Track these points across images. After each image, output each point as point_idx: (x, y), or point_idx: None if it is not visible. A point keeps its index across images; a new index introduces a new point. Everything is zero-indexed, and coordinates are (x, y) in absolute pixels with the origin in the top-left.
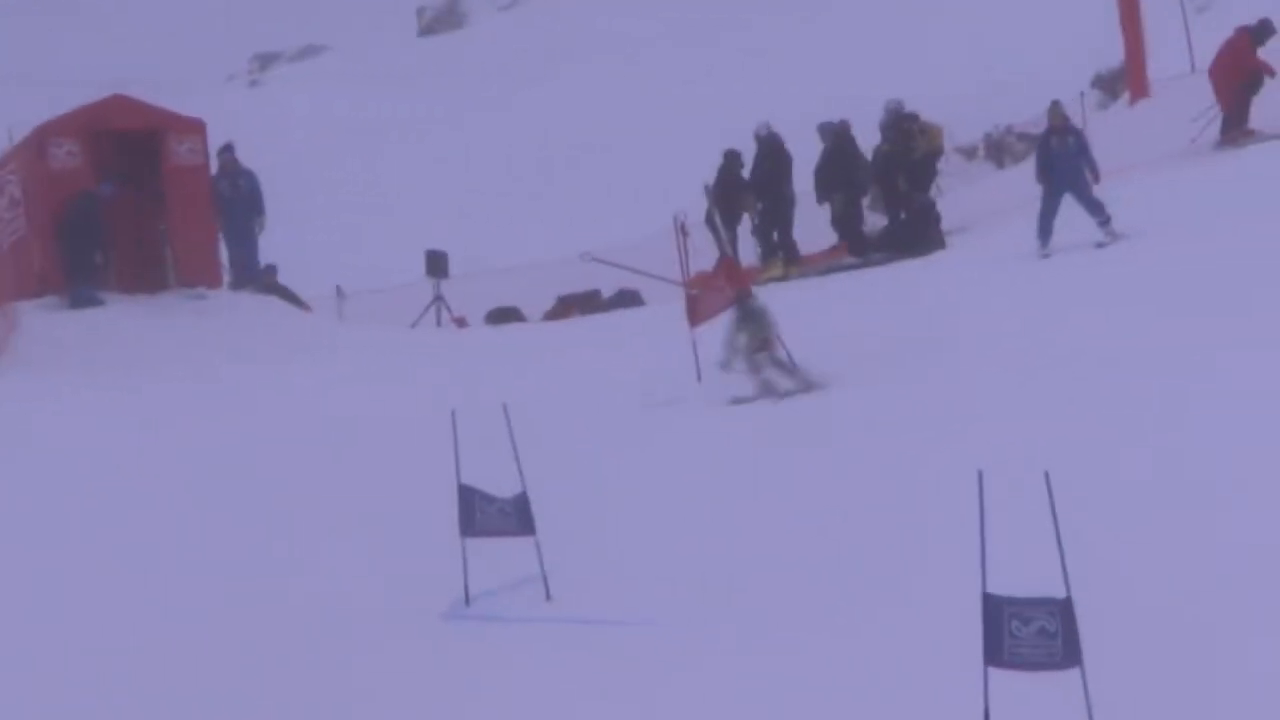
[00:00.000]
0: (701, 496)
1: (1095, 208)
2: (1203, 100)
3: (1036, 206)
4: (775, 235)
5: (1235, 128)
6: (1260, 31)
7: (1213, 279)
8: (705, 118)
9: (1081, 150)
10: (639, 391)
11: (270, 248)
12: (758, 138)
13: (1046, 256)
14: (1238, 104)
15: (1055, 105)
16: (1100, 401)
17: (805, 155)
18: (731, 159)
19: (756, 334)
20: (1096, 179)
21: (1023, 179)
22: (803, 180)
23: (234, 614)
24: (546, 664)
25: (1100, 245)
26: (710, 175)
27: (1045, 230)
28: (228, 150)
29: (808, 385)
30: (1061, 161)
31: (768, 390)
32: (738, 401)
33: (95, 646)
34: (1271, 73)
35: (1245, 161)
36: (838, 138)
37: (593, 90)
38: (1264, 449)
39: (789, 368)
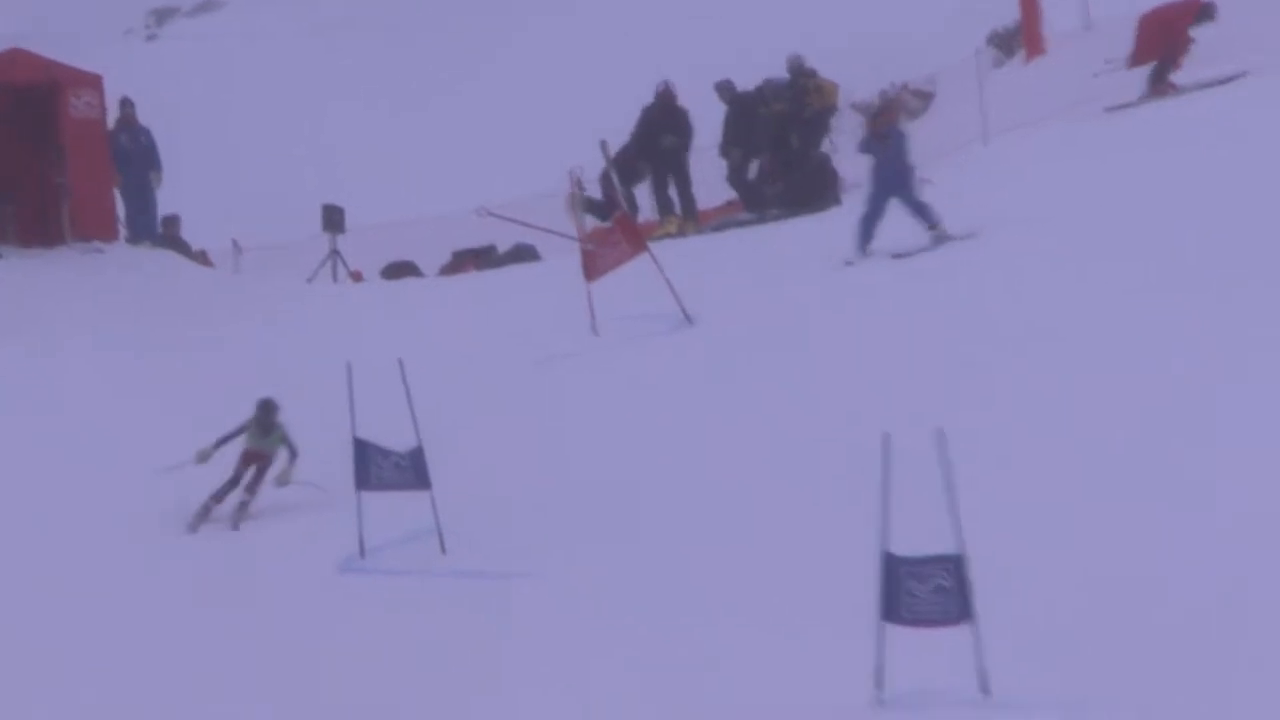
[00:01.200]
0: (595, 451)
1: (922, 211)
2: (1097, 57)
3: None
4: (672, 191)
5: (1163, 79)
6: (1205, 12)
7: (1091, 247)
8: (607, 78)
9: (899, 154)
10: (534, 345)
11: (169, 201)
12: (656, 94)
13: (850, 264)
14: (1161, 62)
15: (877, 114)
16: (986, 357)
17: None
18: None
19: (254, 444)
20: (912, 187)
21: (920, 134)
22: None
23: (129, 565)
24: (440, 616)
25: (896, 256)
26: (613, 133)
27: (865, 235)
28: (128, 104)
29: (199, 519)
30: (884, 166)
31: (201, 516)
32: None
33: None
34: (1178, 60)
35: (1139, 119)
36: (735, 98)
37: (494, 43)
38: (1140, 411)
39: (247, 500)
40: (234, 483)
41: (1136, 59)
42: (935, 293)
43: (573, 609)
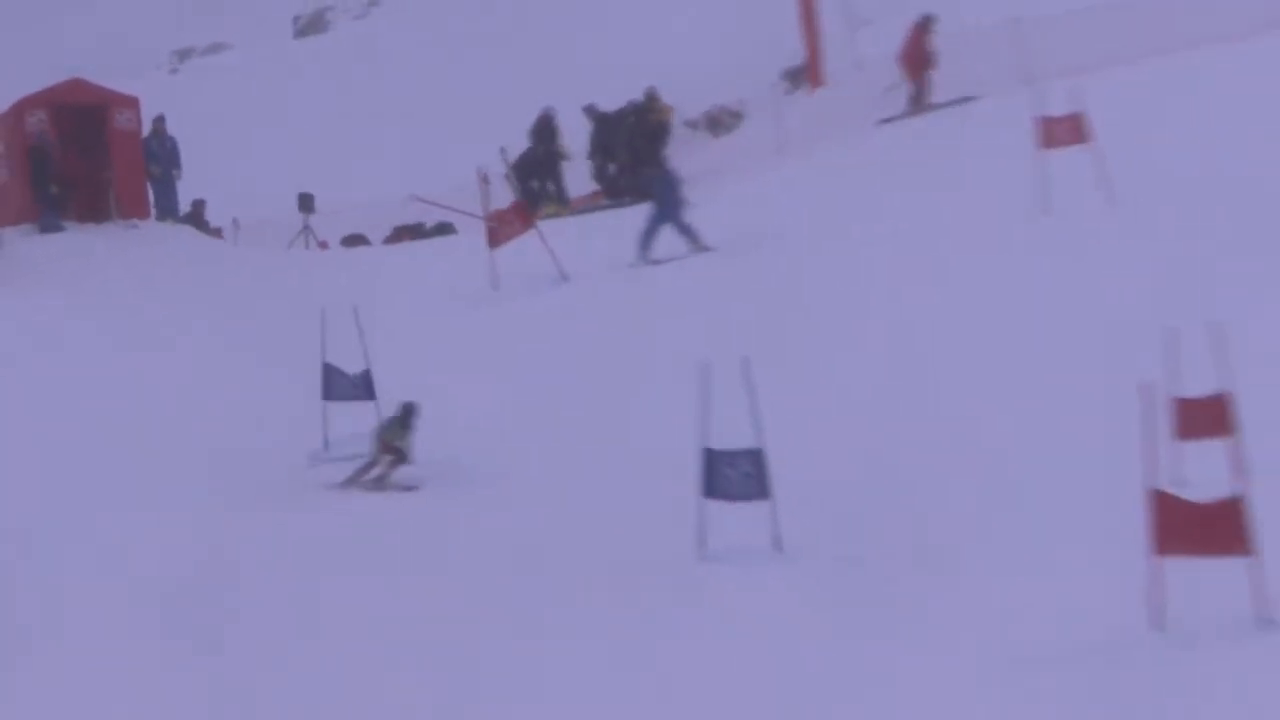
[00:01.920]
0: (497, 367)
1: (686, 232)
2: (868, 87)
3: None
4: (551, 184)
5: (920, 100)
6: (929, 24)
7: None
8: (518, 102)
9: (670, 187)
10: (452, 295)
11: (187, 190)
12: (540, 116)
13: (633, 266)
14: (919, 82)
15: (643, 164)
16: (776, 301)
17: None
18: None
19: (392, 438)
20: (680, 214)
21: (732, 146)
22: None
23: (141, 456)
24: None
25: (644, 264)
26: (509, 140)
27: (645, 246)
28: (160, 120)
29: (346, 486)
30: (660, 198)
31: (349, 483)
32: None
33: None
34: (934, 63)
35: (901, 133)
36: (598, 117)
37: (435, 78)
38: (885, 343)
39: (385, 475)
40: (373, 464)
41: (913, 90)
42: (739, 270)
43: (477, 480)
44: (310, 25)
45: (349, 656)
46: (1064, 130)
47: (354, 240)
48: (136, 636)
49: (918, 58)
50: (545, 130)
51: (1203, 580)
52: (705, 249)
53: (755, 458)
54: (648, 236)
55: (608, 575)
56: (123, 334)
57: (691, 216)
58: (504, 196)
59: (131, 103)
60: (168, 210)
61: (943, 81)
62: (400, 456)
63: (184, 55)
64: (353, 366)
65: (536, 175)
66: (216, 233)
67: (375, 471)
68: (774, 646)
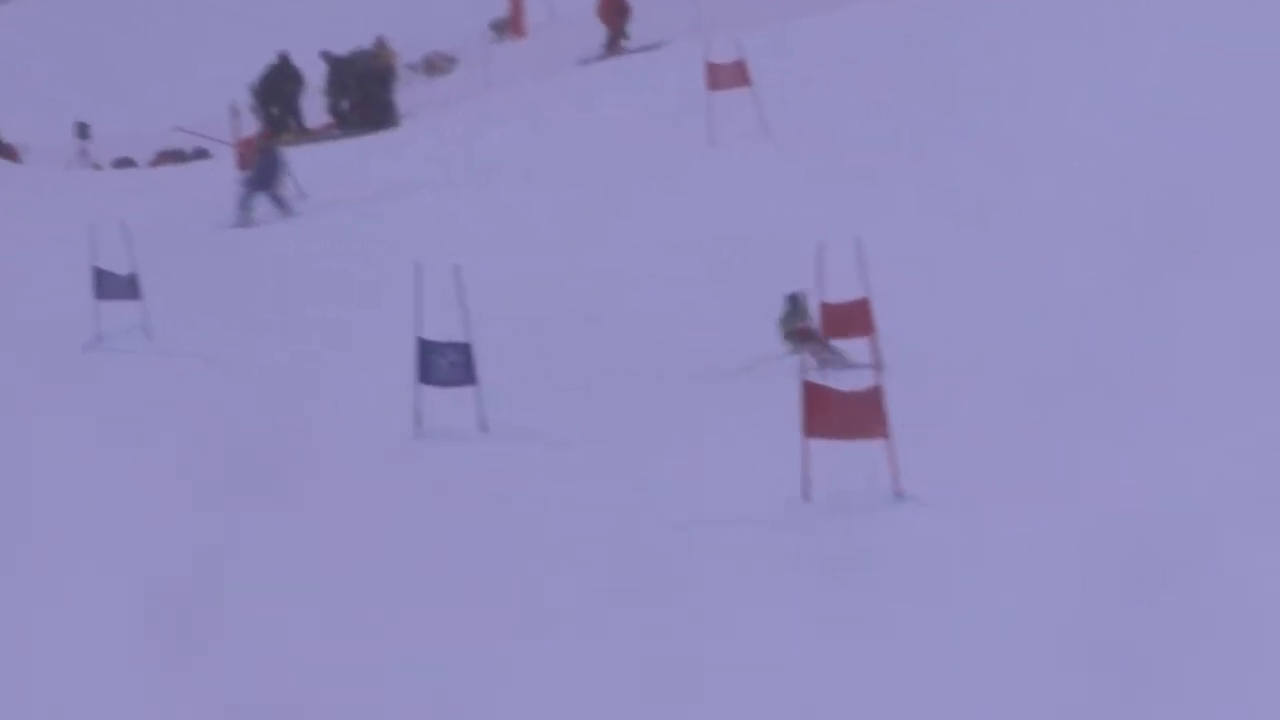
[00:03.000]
0: (246, 257)
1: (279, 203)
2: (564, 37)
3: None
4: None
5: (613, 46)
6: None
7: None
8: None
9: (280, 165)
10: (204, 210)
11: None
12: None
13: (234, 226)
14: (615, 30)
15: (265, 141)
16: (493, 222)
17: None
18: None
19: (798, 324)
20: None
21: (445, 86)
22: None
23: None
24: (148, 382)
25: (243, 227)
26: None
27: (245, 208)
28: None
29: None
30: (263, 172)
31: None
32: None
33: None
34: (627, 15)
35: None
36: (333, 61)
37: (195, 26)
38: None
39: (827, 357)
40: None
41: (608, 38)
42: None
43: (228, 368)
44: None
45: None
46: (728, 75)
47: (124, 163)
48: None
49: (612, 10)
50: (283, 71)
51: (846, 459)
52: (294, 214)
53: (464, 350)
54: (246, 200)
55: (338, 448)
56: None
57: (284, 188)
58: (251, 126)
59: None
60: None
61: (633, 31)
62: (814, 333)
63: None
64: (120, 269)
65: (277, 106)
66: (12, 150)
67: (824, 355)
68: (481, 512)
